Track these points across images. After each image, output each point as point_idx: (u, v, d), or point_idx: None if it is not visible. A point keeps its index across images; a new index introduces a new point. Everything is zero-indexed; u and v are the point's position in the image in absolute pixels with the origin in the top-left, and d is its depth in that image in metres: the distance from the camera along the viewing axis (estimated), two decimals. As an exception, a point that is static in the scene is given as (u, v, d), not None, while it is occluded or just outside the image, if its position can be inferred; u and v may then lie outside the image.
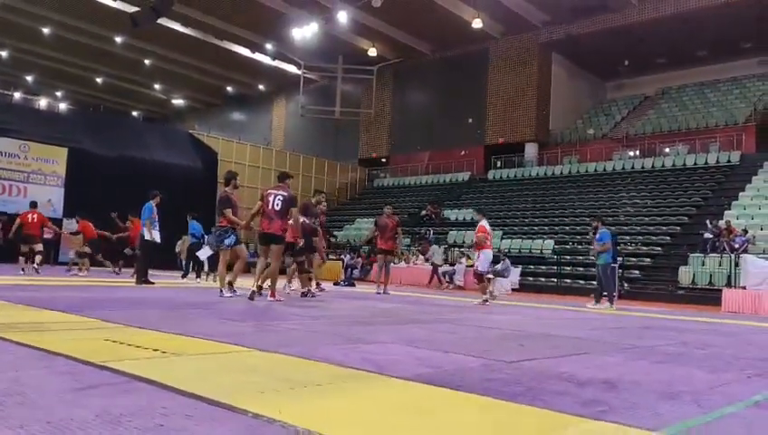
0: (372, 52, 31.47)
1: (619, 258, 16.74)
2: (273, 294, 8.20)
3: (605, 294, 11.47)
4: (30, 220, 13.80)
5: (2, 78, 37.19)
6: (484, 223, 10.77)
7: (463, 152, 30.92)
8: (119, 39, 31.99)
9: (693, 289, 15.95)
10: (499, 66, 30.04)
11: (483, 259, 10.65)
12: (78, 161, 21.01)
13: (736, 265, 14.78)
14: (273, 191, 8.26)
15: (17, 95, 37.04)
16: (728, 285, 14.74)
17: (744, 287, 13.70)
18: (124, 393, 2.42)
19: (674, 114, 28.33)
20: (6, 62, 36.14)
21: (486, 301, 10.45)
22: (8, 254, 15.41)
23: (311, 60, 33.41)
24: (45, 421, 1.95)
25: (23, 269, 13.16)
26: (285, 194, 8.17)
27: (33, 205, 14.64)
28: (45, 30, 31.23)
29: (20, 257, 13.67)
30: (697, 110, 27.94)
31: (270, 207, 8.08)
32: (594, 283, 12.53)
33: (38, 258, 13.62)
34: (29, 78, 39.72)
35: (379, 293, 11.78)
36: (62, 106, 40.54)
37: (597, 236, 11.54)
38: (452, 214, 26.04)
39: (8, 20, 29.76)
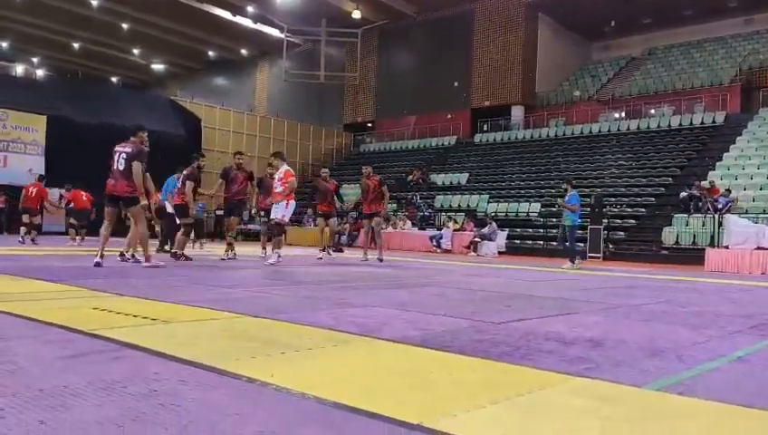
0: (356, 14, 30.92)
1: (604, 220, 17.00)
2: (147, 259, 7.70)
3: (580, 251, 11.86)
4: (29, 193, 14.43)
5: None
6: (288, 167, 9.58)
7: (449, 116, 30.76)
8: (95, 2, 31.11)
9: (677, 249, 16.19)
10: (485, 28, 29.69)
11: (291, 209, 9.57)
12: (58, 129, 20.61)
13: (720, 224, 14.99)
14: (118, 149, 7.57)
15: (-8, 62, 36.12)
16: (711, 244, 14.97)
17: (727, 247, 13.93)
18: (115, 360, 2.43)
19: (660, 75, 28.29)
20: (-21, 28, 35.16)
21: (280, 257, 9.27)
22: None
23: (293, 23, 32.78)
24: (38, 389, 1.95)
25: (21, 239, 13.62)
26: (129, 150, 7.48)
27: (41, 178, 15.34)
28: (19, -7, 30.32)
29: (21, 228, 14.22)
30: (683, 70, 27.91)
31: (115, 166, 7.49)
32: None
33: (33, 232, 13.99)
34: (3, 44, 38.66)
35: (364, 260, 11.12)
36: (40, 73, 39.66)
37: (566, 198, 11.89)
38: (439, 178, 26.04)
39: (-21, -17, 28.85)
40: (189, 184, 9.72)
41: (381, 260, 10.94)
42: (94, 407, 1.79)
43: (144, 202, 7.70)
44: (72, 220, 15.22)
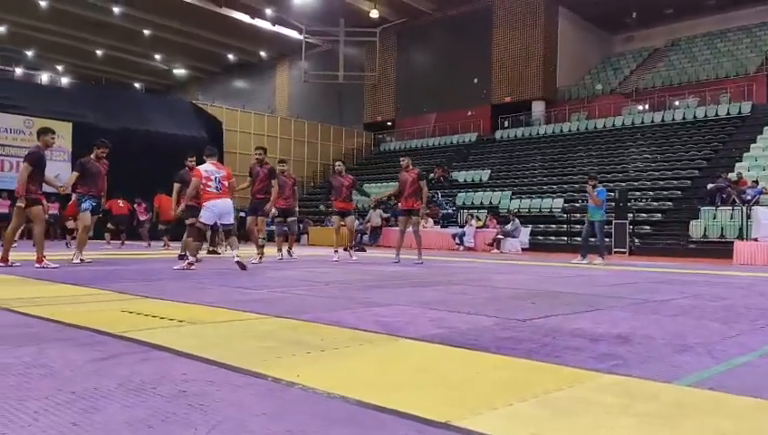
0: (374, 13, 30.96)
1: (629, 214, 16.77)
2: (39, 260, 7.55)
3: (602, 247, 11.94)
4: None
5: (1, 54, 36.98)
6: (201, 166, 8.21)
7: (469, 113, 30.63)
8: (116, 9, 31.62)
9: (704, 242, 15.92)
10: (504, 23, 29.50)
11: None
12: (83, 135, 20.94)
13: (748, 217, 14.71)
14: None
15: (18, 71, 36.84)
16: (740, 237, 14.69)
17: (756, 239, 13.66)
18: (144, 362, 2.46)
19: (683, 66, 27.83)
20: (5, 37, 35.89)
21: (192, 264, 7.80)
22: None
23: (312, 24, 32.93)
24: (70, 392, 1.98)
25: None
26: (27, 153, 7.72)
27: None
28: (42, 3, 30.87)
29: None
30: (707, 61, 27.42)
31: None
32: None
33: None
34: (29, 53, 39.46)
35: (395, 261, 10.22)
36: (64, 80, 40.38)
37: (595, 192, 11.65)
38: (460, 175, 25.94)
39: (4, -6, 29.48)
40: (176, 186, 10.10)
41: (421, 263, 10.09)
42: (125, 408, 1.82)
43: (19, 203, 7.51)
44: (109, 225, 15.71)
